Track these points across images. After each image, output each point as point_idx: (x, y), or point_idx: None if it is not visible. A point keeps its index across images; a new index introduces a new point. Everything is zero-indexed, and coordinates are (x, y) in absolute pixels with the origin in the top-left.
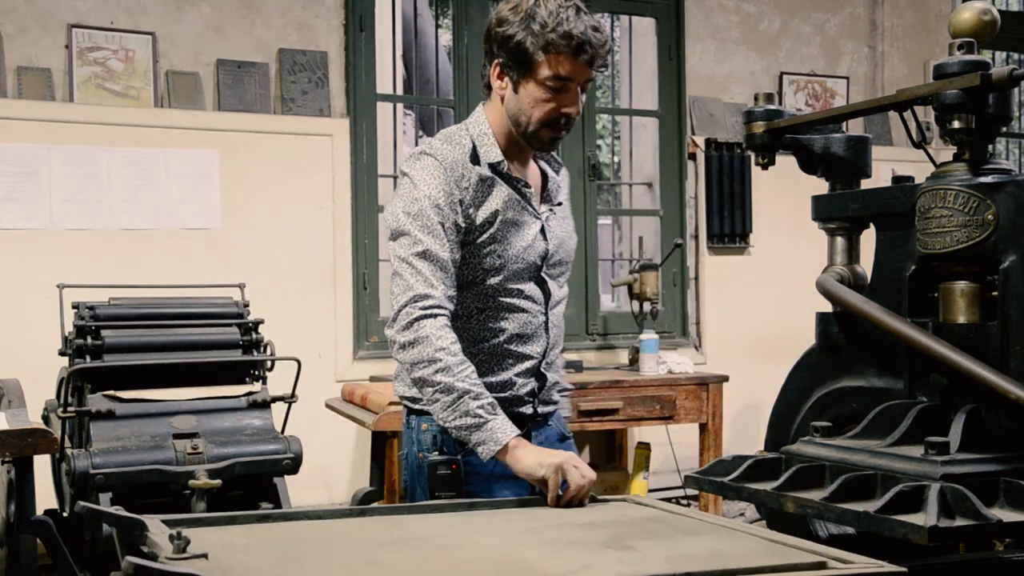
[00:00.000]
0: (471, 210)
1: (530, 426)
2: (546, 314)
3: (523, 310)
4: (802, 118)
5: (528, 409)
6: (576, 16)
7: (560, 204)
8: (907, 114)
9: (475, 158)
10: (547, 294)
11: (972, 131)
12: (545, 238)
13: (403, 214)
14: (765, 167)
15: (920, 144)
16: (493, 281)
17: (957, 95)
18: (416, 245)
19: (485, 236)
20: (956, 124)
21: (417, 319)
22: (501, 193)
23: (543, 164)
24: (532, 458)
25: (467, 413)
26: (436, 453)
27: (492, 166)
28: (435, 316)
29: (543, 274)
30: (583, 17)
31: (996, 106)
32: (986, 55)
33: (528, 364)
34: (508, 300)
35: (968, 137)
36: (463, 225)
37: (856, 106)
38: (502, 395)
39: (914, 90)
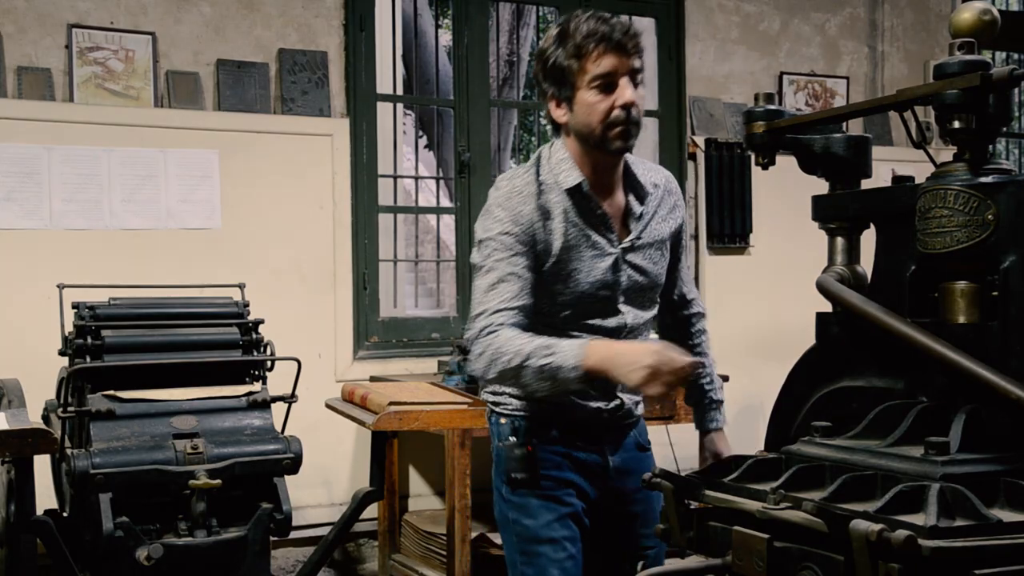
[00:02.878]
0: (540, 241)
1: (602, 428)
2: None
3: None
4: (802, 118)
5: (605, 414)
6: (596, 19)
7: (639, 239)
8: (907, 114)
9: (548, 188)
10: (623, 326)
11: (972, 131)
12: (617, 271)
13: (481, 240)
14: (765, 167)
15: (920, 144)
16: (566, 315)
17: (957, 95)
18: (488, 274)
19: (554, 267)
20: (956, 124)
21: (481, 338)
22: (573, 224)
23: (630, 197)
24: (621, 366)
25: (541, 370)
26: (512, 438)
27: (571, 189)
28: (495, 332)
29: (619, 306)
30: (605, 17)
31: (996, 106)
32: (986, 55)
33: (600, 391)
34: (582, 335)
35: (968, 137)
36: (536, 250)
37: (856, 106)
38: (576, 412)
39: (914, 90)
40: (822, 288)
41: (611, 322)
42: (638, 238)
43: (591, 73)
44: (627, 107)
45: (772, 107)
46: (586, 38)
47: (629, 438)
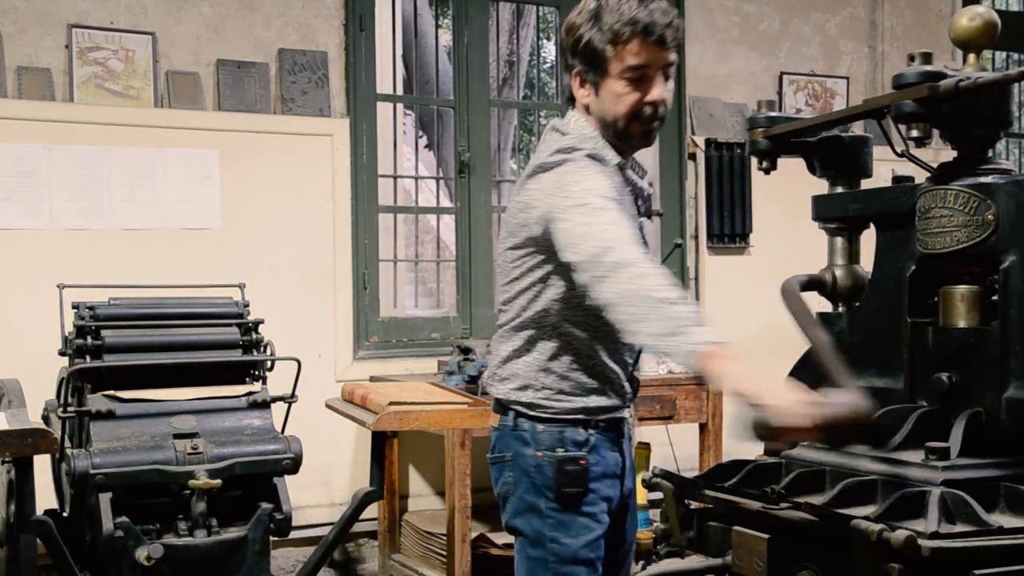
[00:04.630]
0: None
1: (624, 426)
2: None
3: None
4: (800, 123)
5: (627, 414)
6: (639, 3)
7: (659, 213)
8: (886, 123)
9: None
10: None
11: (971, 134)
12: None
13: (581, 193)
14: (767, 172)
15: (903, 154)
16: None
17: (911, 105)
18: (603, 212)
19: None
20: (915, 133)
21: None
22: (625, 196)
23: (631, 174)
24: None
25: (678, 318)
26: (561, 450)
27: (618, 165)
28: (635, 254)
29: None
30: (647, 3)
31: (996, 109)
32: (987, 56)
33: (626, 371)
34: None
35: (967, 141)
36: None
37: (839, 113)
38: (616, 403)
39: (876, 100)
40: (784, 292)
41: None
42: (659, 212)
43: (625, 64)
44: (655, 104)
45: (773, 114)
46: (626, 25)
47: (626, 430)
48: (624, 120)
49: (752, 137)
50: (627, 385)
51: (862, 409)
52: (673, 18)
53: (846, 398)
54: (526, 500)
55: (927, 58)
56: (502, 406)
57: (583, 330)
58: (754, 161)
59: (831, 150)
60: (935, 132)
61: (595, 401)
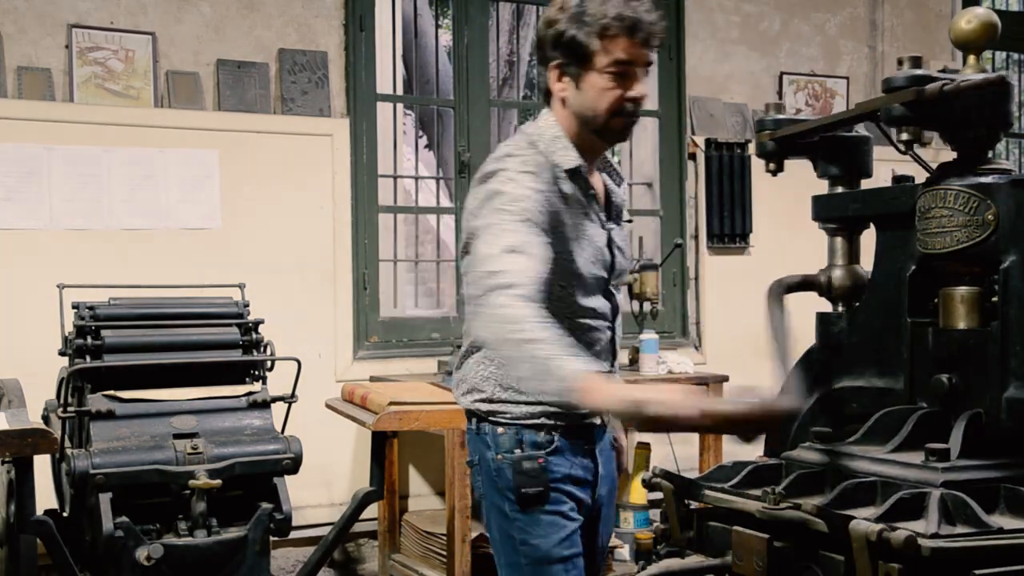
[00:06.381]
0: (551, 217)
1: (596, 433)
2: (613, 328)
3: (595, 328)
4: (805, 125)
5: (597, 419)
6: (624, 1)
7: (629, 221)
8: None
9: (547, 167)
10: (615, 308)
11: (971, 135)
12: (612, 251)
13: (494, 210)
14: (775, 173)
15: (906, 152)
16: (574, 297)
17: (900, 109)
18: (504, 235)
19: (562, 246)
20: (904, 136)
21: (494, 297)
22: (576, 203)
23: (605, 177)
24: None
25: (535, 361)
26: (519, 451)
27: (571, 172)
28: (515, 296)
29: (610, 287)
30: (631, 1)
31: (996, 111)
32: (987, 57)
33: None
34: (583, 320)
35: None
36: (547, 227)
37: (843, 115)
38: (579, 418)
39: (867, 103)
40: (769, 292)
41: (606, 304)
42: (629, 220)
43: (612, 57)
44: (637, 100)
45: (780, 116)
46: (614, 20)
47: (607, 438)
48: (605, 115)
49: (760, 139)
50: None
51: (765, 411)
52: (658, 18)
53: (749, 398)
54: (493, 504)
55: (917, 62)
56: (466, 411)
57: None
58: (762, 163)
59: (831, 150)
60: (934, 134)
61: (552, 406)
